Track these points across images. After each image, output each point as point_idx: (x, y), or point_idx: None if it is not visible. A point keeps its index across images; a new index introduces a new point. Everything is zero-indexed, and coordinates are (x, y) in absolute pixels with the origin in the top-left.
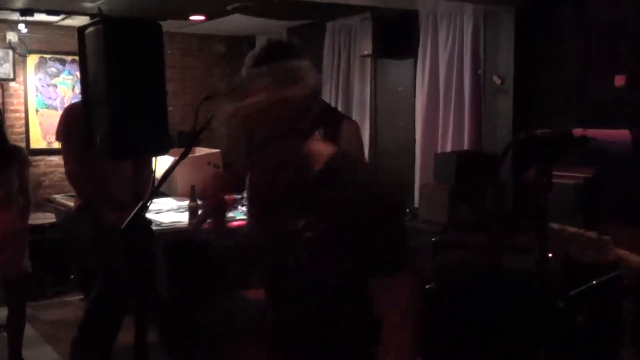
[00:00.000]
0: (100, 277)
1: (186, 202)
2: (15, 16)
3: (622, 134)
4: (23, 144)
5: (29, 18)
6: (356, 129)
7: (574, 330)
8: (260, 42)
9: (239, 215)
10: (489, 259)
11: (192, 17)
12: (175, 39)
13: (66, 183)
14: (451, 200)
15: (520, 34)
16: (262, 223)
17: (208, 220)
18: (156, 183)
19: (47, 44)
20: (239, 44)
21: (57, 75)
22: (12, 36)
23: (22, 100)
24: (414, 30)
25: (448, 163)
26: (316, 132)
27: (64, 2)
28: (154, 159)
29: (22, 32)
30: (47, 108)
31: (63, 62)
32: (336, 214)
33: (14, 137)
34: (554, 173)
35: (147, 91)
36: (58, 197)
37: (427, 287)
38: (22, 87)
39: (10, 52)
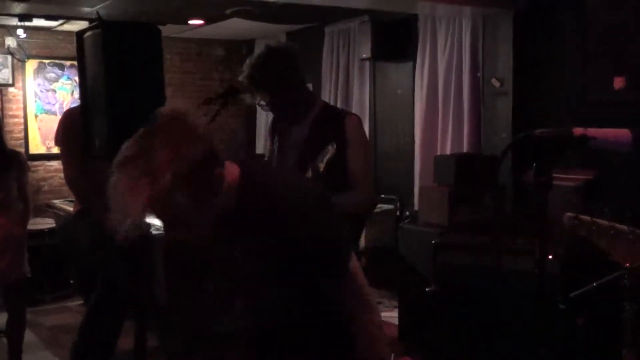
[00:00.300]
0: (99, 282)
1: None
2: (14, 21)
3: (622, 133)
4: (22, 149)
5: (27, 23)
6: (359, 122)
7: (574, 331)
8: (259, 47)
9: None
10: (490, 260)
11: (191, 22)
12: (174, 43)
13: (65, 188)
14: (451, 202)
15: (519, 37)
16: None
17: None
18: None
19: (46, 49)
20: (238, 48)
21: (56, 80)
22: (10, 41)
23: (21, 105)
24: (412, 34)
25: (447, 165)
26: (328, 147)
27: (62, 7)
28: None
29: (20, 37)
30: (46, 113)
31: (62, 67)
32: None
33: (13, 142)
34: (554, 175)
35: (146, 95)
36: (57, 202)
37: (427, 289)
38: (21, 93)
39: (9, 58)
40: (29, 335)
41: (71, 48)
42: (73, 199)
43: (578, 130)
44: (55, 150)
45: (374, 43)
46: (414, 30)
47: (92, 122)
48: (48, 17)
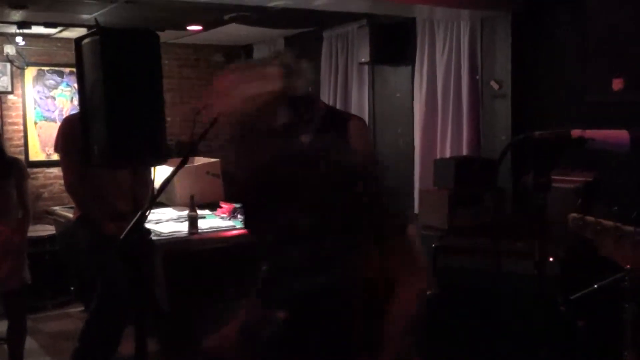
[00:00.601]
0: (99, 288)
1: (185, 212)
2: (13, 29)
3: (620, 134)
4: (22, 157)
5: (26, 31)
6: (363, 126)
7: (575, 334)
8: (257, 52)
9: (238, 224)
10: (490, 263)
11: (189, 27)
12: (173, 49)
13: (65, 195)
14: (451, 205)
15: (517, 39)
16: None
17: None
18: (155, 193)
19: (45, 57)
20: (236, 53)
21: (56, 87)
22: (10, 49)
23: (21, 112)
24: (411, 37)
25: (447, 168)
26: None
27: (60, 14)
28: (152, 168)
29: (19, 44)
30: (46, 120)
31: (61, 74)
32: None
33: (13, 149)
34: (554, 177)
35: (145, 101)
36: (57, 209)
37: (428, 292)
38: (20, 100)
39: (8, 65)
40: (29, 342)
41: (70, 55)
42: (73, 206)
43: (576, 132)
44: (55, 157)
45: (373, 47)
46: (413, 34)
47: (91, 128)
48: (47, 25)
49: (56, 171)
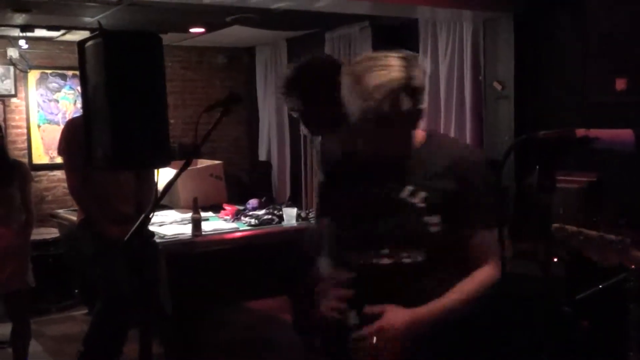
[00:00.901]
0: (103, 291)
1: (189, 214)
2: (16, 32)
3: (625, 134)
4: (25, 160)
5: (29, 34)
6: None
7: (579, 334)
8: (260, 54)
9: (242, 226)
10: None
11: (192, 30)
12: (175, 51)
13: (69, 198)
14: None
15: (520, 40)
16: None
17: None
18: (158, 195)
19: (48, 60)
20: (239, 55)
21: (59, 90)
22: (13, 52)
23: (24, 116)
24: (413, 38)
25: None
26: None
27: (63, 17)
28: (155, 171)
29: (22, 48)
30: (49, 123)
31: (64, 77)
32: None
33: (17, 152)
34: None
35: (148, 103)
36: (61, 212)
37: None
38: (23, 103)
39: (12, 68)
40: (34, 345)
41: (73, 58)
42: (76, 209)
43: (580, 132)
44: (59, 160)
45: (375, 48)
46: (415, 35)
47: (94, 131)
48: (50, 28)
49: (60, 174)
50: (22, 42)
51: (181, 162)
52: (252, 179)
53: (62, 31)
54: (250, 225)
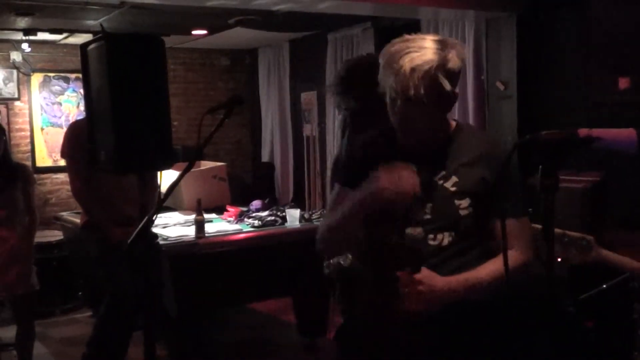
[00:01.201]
0: (108, 294)
1: (192, 216)
2: (19, 36)
3: (628, 133)
4: (29, 163)
5: (32, 37)
6: None
7: (584, 335)
8: (262, 55)
9: (245, 227)
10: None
11: (195, 32)
12: (178, 53)
13: (72, 200)
14: None
15: (523, 40)
16: None
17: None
18: (161, 197)
19: (50, 63)
20: (241, 57)
21: (62, 93)
22: (16, 56)
23: (27, 119)
24: None
25: None
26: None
27: (66, 20)
28: (158, 173)
29: (25, 51)
30: (52, 126)
31: (67, 80)
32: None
33: (20, 155)
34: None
35: (151, 106)
36: (65, 215)
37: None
38: (27, 106)
39: (15, 72)
40: (39, 348)
41: (76, 61)
42: (80, 211)
43: (583, 131)
44: (62, 162)
45: (377, 49)
46: None
47: (97, 134)
48: (52, 31)
49: (63, 177)
50: (25, 46)
51: (184, 165)
52: (255, 181)
53: (65, 34)
54: (253, 226)
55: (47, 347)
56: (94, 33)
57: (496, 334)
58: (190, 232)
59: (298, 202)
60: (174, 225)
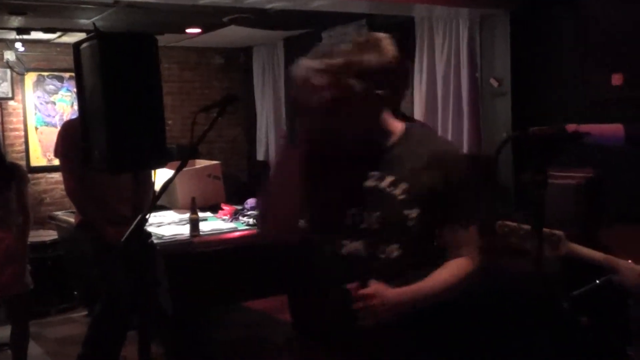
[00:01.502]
0: (103, 293)
1: (187, 215)
2: (12, 35)
3: (616, 129)
4: (23, 162)
5: (25, 37)
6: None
7: (578, 330)
8: (257, 54)
9: (240, 225)
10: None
11: (189, 30)
12: (172, 52)
13: (67, 200)
14: None
15: (516, 36)
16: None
17: None
18: (155, 196)
19: (44, 62)
20: (236, 55)
21: (56, 92)
22: (9, 55)
23: (21, 118)
24: (410, 37)
25: None
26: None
27: (59, 19)
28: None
29: (19, 50)
30: (47, 125)
31: (61, 79)
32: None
33: (14, 155)
34: (556, 174)
35: (145, 105)
36: (59, 214)
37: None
38: (21, 106)
39: (8, 71)
40: (34, 348)
41: (70, 60)
42: (74, 210)
43: (571, 127)
44: (56, 162)
45: None
46: (412, 33)
47: (91, 133)
48: (46, 30)
49: (57, 176)
50: (18, 45)
51: (179, 163)
52: (250, 179)
53: (59, 33)
54: (248, 225)
55: (42, 346)
56: (88, 32)
57: (485, 331)
58: (185, 230)
59: None
60: (169, 224)
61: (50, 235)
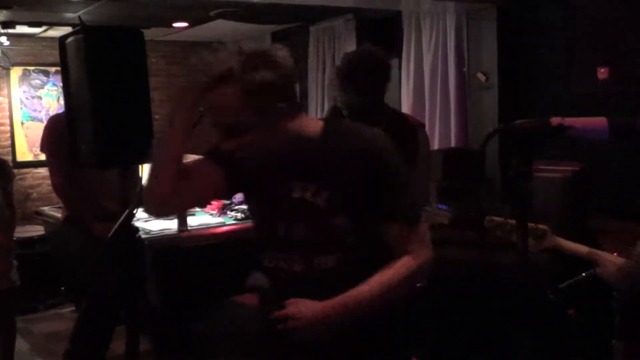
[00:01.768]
0: (90, 288)
1: None
2: None
3: (599, 122)
4: (9, 157)
5: (10, 31)
6: (426, 132)
7: (565, 322)
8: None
9: (228, 220)
10: (479, 255)
11: (176, 25)
12: (159, 47)
13: (54, 195)
14: (439, 197)
15: (503, 31)
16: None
17: None
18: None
19: (30, 56)
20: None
21: (42, 87)
22: None
23: (7, 113)
24: (397, 31)
25: (435, 161)
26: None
27: (45, 13)
28: (140, 167)
29: (4, 44)
30: (33, 120)
31: (47, 74)
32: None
33: (0, 150)
34: (543, 167)
35: (131, 99)
36: (46, 209)
37: (417, 284)
38: (6, 100)
39: None
40: (21, 344)
41: (56, 54)
42: (61, 206)
43: (555, 120)
44: (43, 157)
45: (359, 41)
46: (399, 27)
47: (77, 128)
48: (31, 24)
49: (44, 171)
50: (3, 39)
51: None
52: None
53: (44, 27)
54: (236, 219)
55: (30, 342)
56: (74, 26)
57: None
58: (172, 225)
59: None
60: (156, 218)
61: (37, 230)
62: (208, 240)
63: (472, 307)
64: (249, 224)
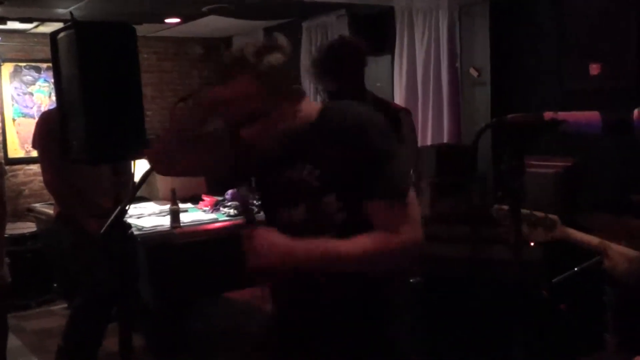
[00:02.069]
0: (82, 285)
1: (167, 206)
2: None
3: (592, 116)
4: (0, 154)
5: (1, 26)
6: (412, 120)
7: (557, 317)
8: (237, 43)
9: (221, 216)
10: (472, 250)
11: (168, 20)
12: (151, 42)
13: (46, 192)
14: (432, 193)
15: (496, 26)
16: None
17: None
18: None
19: (21, 52)
20: (216, 45)
21: (33, 83)
22: None
23: None
24: (390, 27)
25: (428, 157)
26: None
27: (36, 9)
28: (132, 163)
29: None
30: (24, 117)
31: (38, 70)
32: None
33: None
34: (535, 162)
35: (123, 95)
36: (38, 206)
37: (411, 280)
38: None
39: None
40: (13, 341)
41: (47, 51)
42: (53, 202)
43: (548, 115)
44: (35, 153)
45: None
46: (392, 23)
47: (69, 124)
48: (22, 20)
49: (36, 168)
50: None
51: None
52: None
53: (35, 23)
54: (229, 215)
55: (22, 340)
56: (65, 22)
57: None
58: (165, 222)
59: None
60: (149, 215)
61: (29, 227)
62: (201, 236)
63: (465, 302)
64: (241, 220)
